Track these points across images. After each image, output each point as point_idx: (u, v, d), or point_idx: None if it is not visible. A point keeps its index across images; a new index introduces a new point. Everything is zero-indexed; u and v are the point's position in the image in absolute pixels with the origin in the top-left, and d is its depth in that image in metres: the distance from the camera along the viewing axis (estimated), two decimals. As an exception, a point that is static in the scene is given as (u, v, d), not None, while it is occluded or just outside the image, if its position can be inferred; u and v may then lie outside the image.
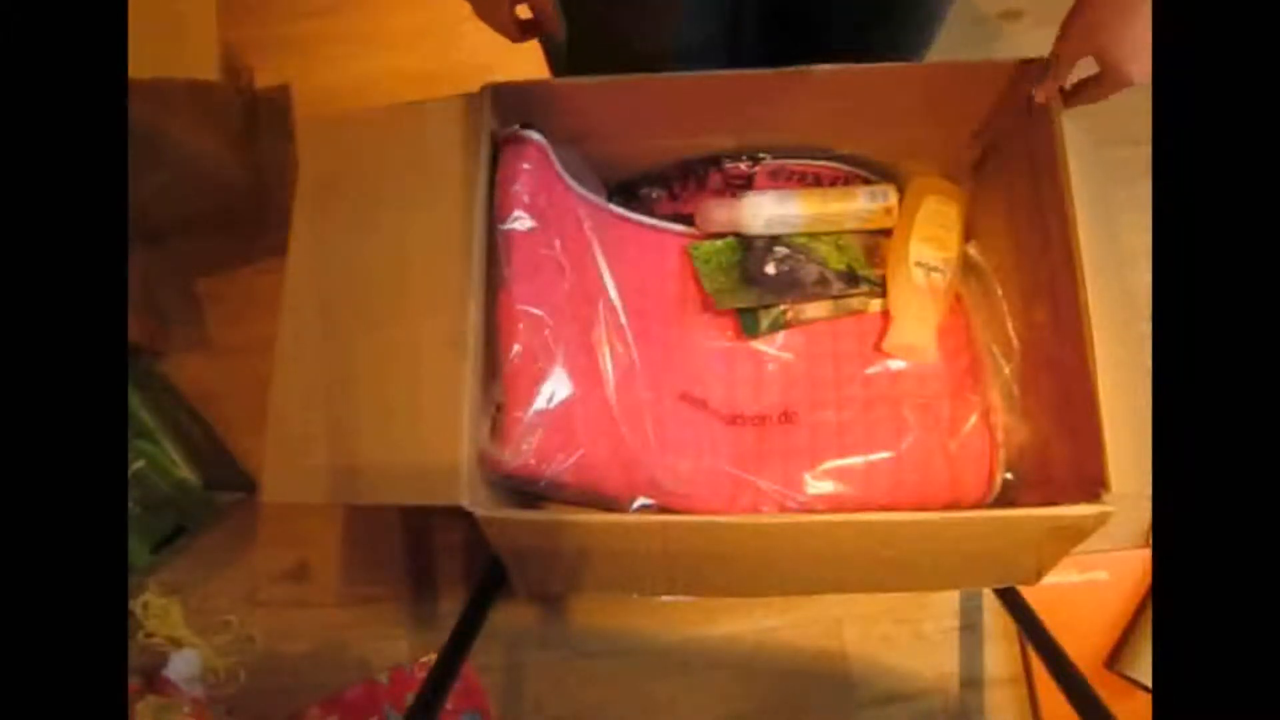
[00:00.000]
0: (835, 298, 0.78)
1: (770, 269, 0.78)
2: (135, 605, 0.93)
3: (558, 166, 0.69)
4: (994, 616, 0.96)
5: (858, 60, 0.67)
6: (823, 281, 0.78)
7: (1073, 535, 0.59)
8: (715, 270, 0.78)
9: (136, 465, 0.90)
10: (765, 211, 0.77)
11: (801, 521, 0.60)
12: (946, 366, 0.75)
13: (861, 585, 0.73)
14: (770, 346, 0.78)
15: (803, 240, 0.79)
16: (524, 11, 0.63)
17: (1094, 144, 0.65)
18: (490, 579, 0.81)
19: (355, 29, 1.16)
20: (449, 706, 0.92)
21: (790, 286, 0.78)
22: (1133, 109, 0.62)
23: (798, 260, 0.78)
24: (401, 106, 0.66)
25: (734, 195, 0.78)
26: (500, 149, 0.65)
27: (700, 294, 0.79)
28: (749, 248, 0.79)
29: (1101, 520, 0.56)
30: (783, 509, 0.70)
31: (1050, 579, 0.65)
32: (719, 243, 0.79)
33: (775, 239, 0.79)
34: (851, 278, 0.78)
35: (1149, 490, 0.56)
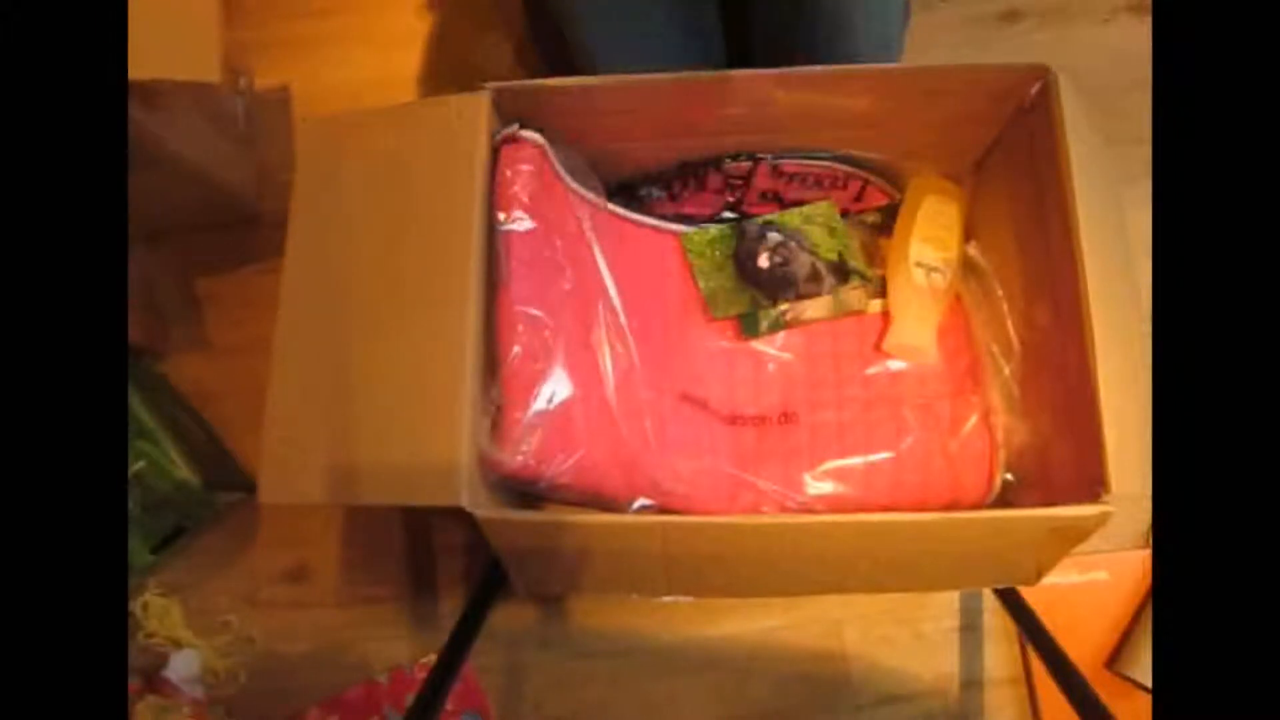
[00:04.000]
0: (830, 295, 0.78)
1: (764, 261, 0.77)
2: (135, 605, 0.93)
3: (557, 166, 0.69)
4: (994, 616, 0.96)
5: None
6: (815, 277, 0.78)
7: (1073, 536, 0.59)
8: (710, 266, 0.78)
9: (136, 465, 0.90)
10: None
11: (801, 522, 0.60)
12: (946, 367, 0.75)
13: (861, 586, 0.72)
14: (770, 347, 0.78)
15: (796, 221, 0.79)
16: None
17: (1103, 141, 0.64)
18: (490, 579, 0.81)
19: (355, 29, 1.15)
20: (449, 707, 0.92)
21: (784, 284, 0.77)
22: (1142, 106, 0.62)
23: (790, 250, 0.78)
24: (400, 107, 0.66)
25: None
26: (499, 149, 0.65)
27: (700, 293, 0.79)
28: (742, 235, 0.78)
29: (1101, 521, 0.56)
30: (783, 509, 0.70)
31: (1050, 579, 0.65)
32: (712, 229, 0.79)
33: (768, 223, 0.79)
34: (842, 270, 0.78)
35: (1149, 491, 0.56)
